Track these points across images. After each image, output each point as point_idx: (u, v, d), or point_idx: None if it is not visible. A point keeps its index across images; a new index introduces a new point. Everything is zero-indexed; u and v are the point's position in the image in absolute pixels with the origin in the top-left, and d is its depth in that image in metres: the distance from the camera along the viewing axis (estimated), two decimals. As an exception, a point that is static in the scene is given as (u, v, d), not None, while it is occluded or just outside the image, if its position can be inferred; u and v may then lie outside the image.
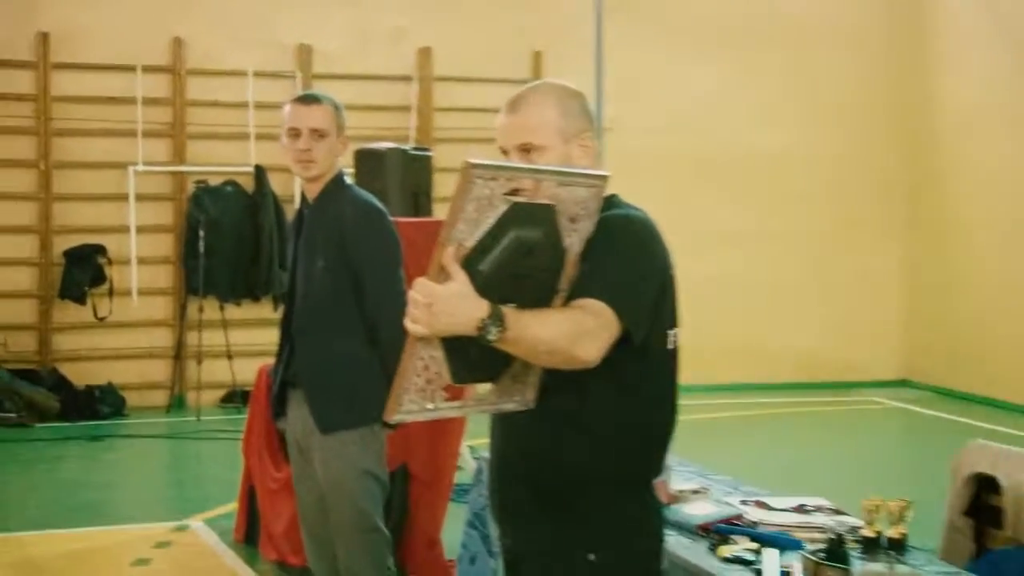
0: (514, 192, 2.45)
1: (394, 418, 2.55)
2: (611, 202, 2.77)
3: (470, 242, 2.41)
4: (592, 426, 2.71)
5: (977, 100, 11.97)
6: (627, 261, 2.65)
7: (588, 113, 2.87)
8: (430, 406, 2.54)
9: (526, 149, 2.78)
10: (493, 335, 2.40)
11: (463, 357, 2.47)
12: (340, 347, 4.39)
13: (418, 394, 2.53)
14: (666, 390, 2.80)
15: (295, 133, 4.38)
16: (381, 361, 4.40)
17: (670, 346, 2.76)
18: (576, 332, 2.49)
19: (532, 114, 2.81)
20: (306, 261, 4.43)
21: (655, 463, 2.84)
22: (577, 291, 2.57)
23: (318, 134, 4.37)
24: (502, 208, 2.42)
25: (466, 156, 2.54)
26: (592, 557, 2.70)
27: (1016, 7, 11.70)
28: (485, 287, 2.40)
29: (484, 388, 2.60)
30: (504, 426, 2.82)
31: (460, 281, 2.40)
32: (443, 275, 2.40)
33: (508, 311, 2.43)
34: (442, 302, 2.38)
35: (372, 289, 4.38)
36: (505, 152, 2.82)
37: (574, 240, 2.56)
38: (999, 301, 11.59)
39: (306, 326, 4.43)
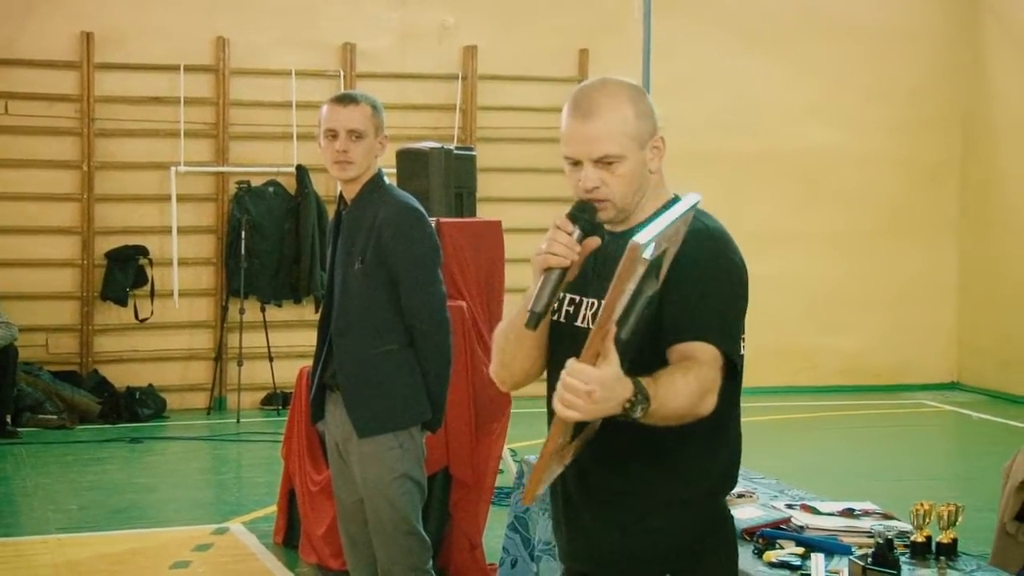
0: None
1: (534, 500, 2.50)
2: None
3: (616, 316, 2.35)
4: (668, 440, 2.63)
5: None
6: (722, 289, 2.62)
7: (654, 111, 2.75)
8: (556, 470, 2.52)
9: (607, 162, 2.65)
10: (637, 413, 2.38)
11: (579, 425, 2.46)
12: (378, 349, 4.40)
13: (554, 465, 2.49)
14: (736, 401, 2.75)
15: (332, 134, 4.37)
16: (419, 363, 4.40)
17: (742, 353, 2.71)
18: (702, 392, 2.48)
19: (608, 122, 2.65)
20: (344, 263, 4.43)
21: (732, 477, 2.80)
22: (681, 330, 2.54)
23: (355, 135, 4.35)
24: (640, 271, 2.35)
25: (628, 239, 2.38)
26: None
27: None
28: (623, 354, 2.36)
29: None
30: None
31: (614, 363, 2.34)
32: (600, 358, 2.33)
33: (647, 384, 2.40)
34: (603, 388, 2.32)
35: (409, 290, 4.38)
36: (576, 162, 2.68)
37: (663, 274, 2.52)
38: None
39: (344, 328, 4.43)
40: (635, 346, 2.48)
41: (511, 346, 2.75)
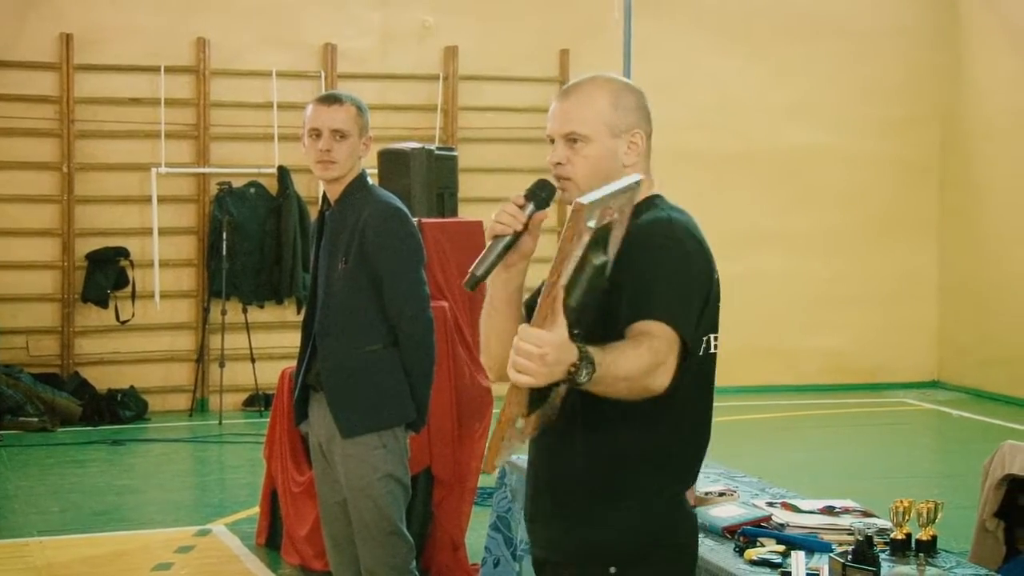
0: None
1: (495, 468, 2.49)
2: (653, 203, 2.75)
3: (563, 280, 2.37)
4: (624, 431, 2.67)
5: (1013, 99, 11.90)
6: (678, 271, 2.64)
7: (644, 111, 2.84)
8: (517, 445, 2.53)
9: (572, 139, 2.77)
10: (583, 378, 2.37)
11: (534, 395, 2.44)
12: (362, 349, 4.41)
13: (514, 439, 2.49)
14: (701, 396, 2.76)
15: (316, 134, 4.37)
16: (403, 363, 4.42)
17: (711, 351, 2.73)
18: (652, 364, 2.49)
19: (583, 103, 2.78)
20: (328, 263, 4.44)
21: (690, 472, 2.81)
22: (635, 310, 2.56)
23: (339, 135, 4.36)
24: (586, 239, 2.39)
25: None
26: (614, 570, 2.68)
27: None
28: (575, 323, 2.38)
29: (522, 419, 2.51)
30: (537, 437, 2.79)
31: (562, 325, 2.35)
32: (548, 321, 2.34)
33: (594, 351, 2.39)
34: (555, 350, 2.33)
35: (393, 291, 4.39)
36: (551, 140, 2.81)
37: (611, 251, 2.55)
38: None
39: (328, 328, 4.44)
40: (587, 324, 2.48)
41: (486, 328, 2.82)
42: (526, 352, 2.31)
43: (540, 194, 2.67)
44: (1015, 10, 12.09)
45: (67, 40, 10.83)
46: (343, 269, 4.39)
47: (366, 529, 4.46)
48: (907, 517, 3.37)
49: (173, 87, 11.10)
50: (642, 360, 2.47)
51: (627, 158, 2.77)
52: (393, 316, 4.40)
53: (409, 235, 4.49)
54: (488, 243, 2.65)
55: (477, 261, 2.64)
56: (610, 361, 2.42)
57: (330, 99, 4.45)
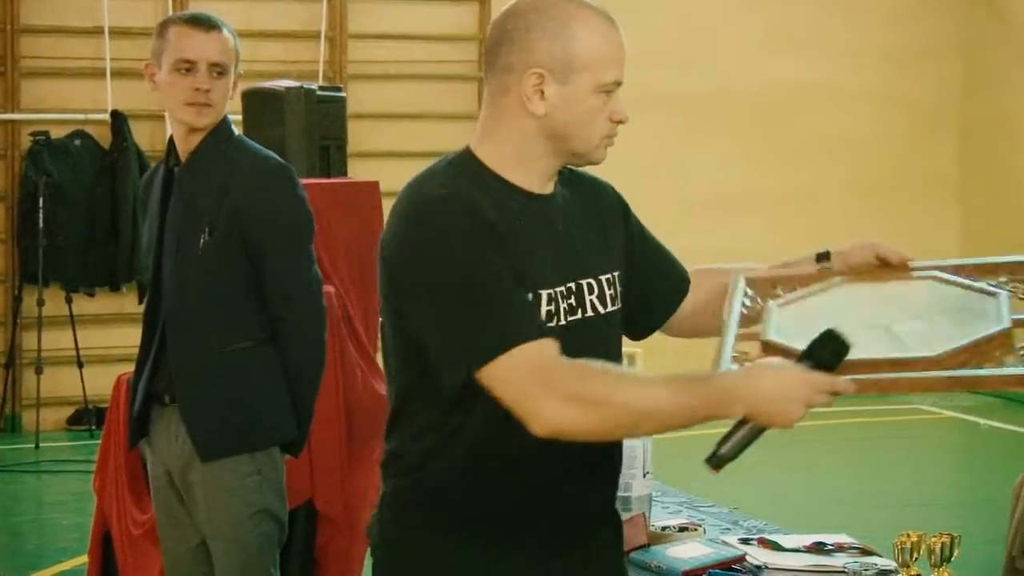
0: None
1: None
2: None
3: None
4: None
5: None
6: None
7: None
8: None
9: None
10: None
11: None
12: (229, 347, 4.39)
13: None
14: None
15: (188, 66, 4.32)
16: (284, 364, 4.41)
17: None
18: None
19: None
20: (180, 237, 4.40)
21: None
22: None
23: (218, 70, 4.34)
24: None
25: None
26: None
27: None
28: None
29: None
30: None
31: None
32: None
33: None
34: None
35: (275, 272, 4.38)
36: (612, 90, 2.89)
37: None
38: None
39: (183, 322, 4.41)
40: None
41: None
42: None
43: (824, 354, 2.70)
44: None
45: None
46: (206, 243, 4.34)
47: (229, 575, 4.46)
48: (916, 556, 3.43)
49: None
50: None
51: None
52: (274, 304, 4.38)
53: (297, 199, 4.47)
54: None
55: (729, 436, 2.74)
56: None
57: (205, 23, 4.37)
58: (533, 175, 2.87)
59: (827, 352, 2.68)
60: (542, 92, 2.81)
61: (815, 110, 12.61)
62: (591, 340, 2.85)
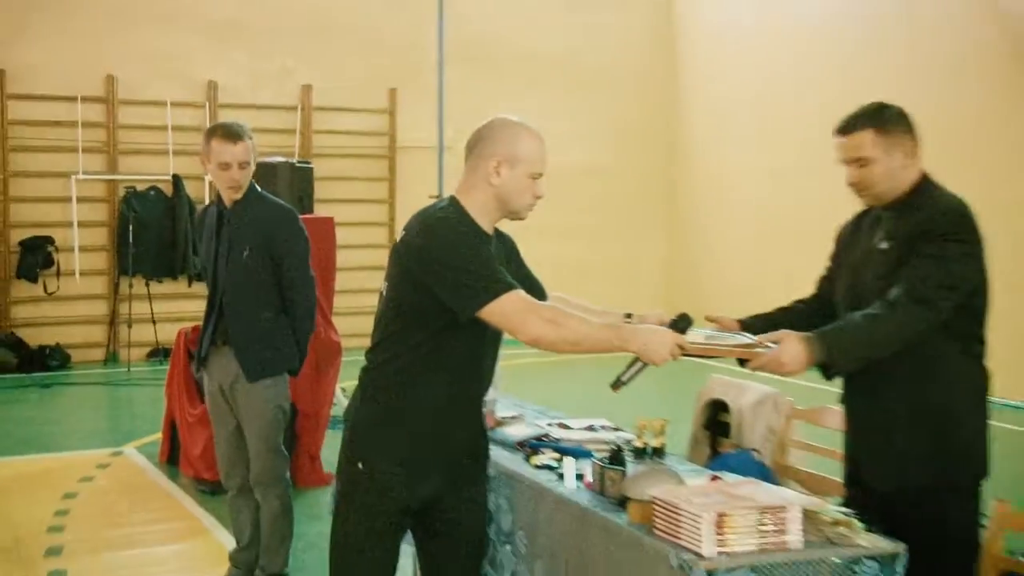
0: None
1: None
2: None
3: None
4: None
5: (719, 120, 12.31)
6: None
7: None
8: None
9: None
10: None
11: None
12: (263, 316, 4.31)
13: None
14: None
15: (225, 166, 4.20)
16: (292, 324, 4.34)
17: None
18: None
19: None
20: (231, 252, 4.28)
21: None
22: None
23: (243, 164, 4.23)
24: None
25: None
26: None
27: (757, 37, 11.74)
28: None
29: None
30: None
31: None
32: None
33: None
34: None
35: (290, 273, 4.32)
36: (540, 175, 2.84)
37: None
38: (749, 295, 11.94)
39: (236, 301, 4.30)
40: None
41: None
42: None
43: (680, 325, 2.81)
44: (722, 43, 12.45)
45: (1, 74, 10.25)
46: (248, 255, 4.26)
47: (258, 447, 4.36)
48: (645, 431, 3.46)
49: (88, 113, 10.63)
50: None
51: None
52: (289, 290, 4.32)
53: (302, 231, 4.40)
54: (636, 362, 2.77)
55: (625, 371, 2.80)
56: None
57: (234, 136, 4.22)
58: (486, 221, 2.81)
59: (681, 323, 2.81)
60: (499, 172, 2.77)
61: (585, 178, 12.58)
62: None
